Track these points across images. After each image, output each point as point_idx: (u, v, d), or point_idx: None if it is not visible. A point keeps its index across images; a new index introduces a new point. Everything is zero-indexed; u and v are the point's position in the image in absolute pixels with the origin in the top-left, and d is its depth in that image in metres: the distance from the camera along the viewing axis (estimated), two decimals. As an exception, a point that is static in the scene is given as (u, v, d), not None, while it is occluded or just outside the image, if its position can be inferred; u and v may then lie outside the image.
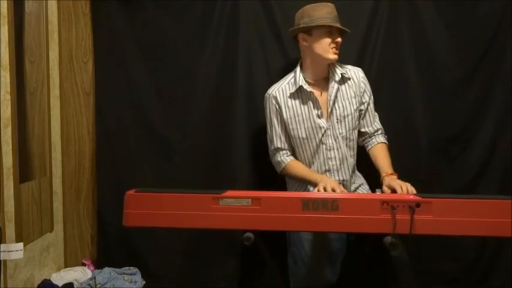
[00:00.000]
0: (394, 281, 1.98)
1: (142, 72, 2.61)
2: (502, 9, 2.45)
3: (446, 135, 2.52)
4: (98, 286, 2.43)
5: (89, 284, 2.46)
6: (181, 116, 2.60)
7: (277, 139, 2.21)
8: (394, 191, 1.87)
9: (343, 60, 2.21)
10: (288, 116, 2.16)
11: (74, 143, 2.70)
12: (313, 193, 1.91)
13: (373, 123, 2.22)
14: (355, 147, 2.20)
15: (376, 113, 2.26)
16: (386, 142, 2.22)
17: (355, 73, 2.19)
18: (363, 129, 2.21)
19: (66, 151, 2.70)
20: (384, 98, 2.43)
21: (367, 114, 2.20)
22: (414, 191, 1.84)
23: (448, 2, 2.47)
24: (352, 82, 2.16)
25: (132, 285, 2.48)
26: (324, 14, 2.07)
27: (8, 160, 2.13)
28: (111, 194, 2.55)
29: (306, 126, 2.14)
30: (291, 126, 2.16)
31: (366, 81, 2.21)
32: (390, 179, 1.97)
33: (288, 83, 2.19)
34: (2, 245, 1.82)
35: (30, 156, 2.43)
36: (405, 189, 1.84)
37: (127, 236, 2.59)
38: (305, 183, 2.14)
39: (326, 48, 2.08)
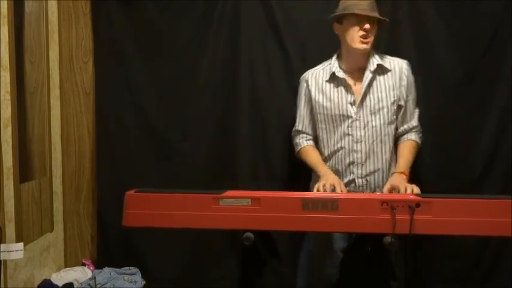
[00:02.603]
0: (395, 281, 1.97)
1: (142, 72, 2.61)
2: (502, 9, 2.44)
3: (448, 135, 2.52)
4: (98, 286, 2.43)
5: (89, 284, 2.46)
6: (181, 116, 2.60)
7: (300, 122, 2.22)
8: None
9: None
10: (318, 100, 2.13)
11: (74, 143, 2.71)
12: (313, 193, 1.91)
13: (410, 120, 2.16)
14: (391, 143, 2.12)
15: (417, 110, 2.19)
16: (418, 140, 2.17)
17: (398, 64, 2.11)
18: (399, 126, 2.15)
19: (66, 151, 2.70)
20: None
21: (405, 110, 2.14)
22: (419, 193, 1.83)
23: (448, 2, 2.47)
24: (392, 74, 2.10)
25: (132, 285, 2.48)
26: (355, 2, 2.02)
27: (8, 160, 2.13)
28: (111, 194, 2.55)
29: (333, 113, 2.10)
30: (318, 111, 2.14)
31: (409, 75, 2.13)
32: (397, 177, 1.96)
33: (324, 68, 2.17)
34: (2, 245, 1.82)
35: (30, 156, 2.43)
36: (410, 191, 1.83)
37: (127, 236, 2.59)
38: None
39: (354, 37, 2.02)
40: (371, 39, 2.04)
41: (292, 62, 2.52)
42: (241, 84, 2.55)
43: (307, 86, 2.17)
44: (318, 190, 1.90)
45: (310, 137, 2.23)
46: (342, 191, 1.90)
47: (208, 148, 2.60)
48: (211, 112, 2.59)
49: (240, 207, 1.61)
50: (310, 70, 2.21)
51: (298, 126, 2.23)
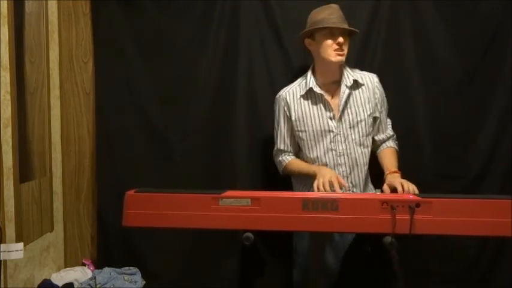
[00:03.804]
0: (395, 281, 1.97)
1: (142, 72, 2.61)
2: (502, 9, 2.45)
3: (448, 135, 2.52)
4: (98, 286, 2.43)
5: (89, 284, 2.46)
6: (181, 116, 2.60)
7: (281, 141, 2.21)
8: (395, 189, 1.86)
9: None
10: (297, 117, 2.14)
11: (74, 143, 2.71)
12: (313, 193, 1.91)
13: (385, 130, 2.21)
14: (369, 153, 2.16)
15: (389, 120, 2.25)
16: (396, 148, 2.21)
17: (370, 79, 2.15)
18: (376, 137, 2.19)
19: (66, 151, 2.70)
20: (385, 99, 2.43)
21: (380, 121, 2.18)
22: (416, 190, 1.83)
23: (448, 2, 2.47)
24: (366, 88, 2.13)
25: (132, 285, 2.48)
26: (325, 16, 2.05)
27: (8, 160, 2.13)
28: (111, 194, 2.55)
29: (315, 129, 2.11)
30: (300, 128, 2.14)
31: (381, 88, 2.17)
32: (392, 177, 1.97)
33: (299, 85, 2.18)
34: (2, 245, 1.82)
35: (30, 156, 2.43)
36: (406, 188, 1.83)
37: (127, 236, 2.59)
38: (305, 179, 2.12)
39: (328, 50, 2.05)
40: (345, 51, 2.07)
41: (292, 62, 2.52)
42: (240, 84, 2.55)
43: (286, 104, 2.17)
44: (318, 188, 1.90)
45: (292, 153, 2.23)
46: (340, 184, 1.89)
47: (208, 148, 2.60)
48: (211, 112, 2.59)
49: (240, 207, 1.61)
50: (285, 88, 2.21)
51: (280, 145, 2.22)
